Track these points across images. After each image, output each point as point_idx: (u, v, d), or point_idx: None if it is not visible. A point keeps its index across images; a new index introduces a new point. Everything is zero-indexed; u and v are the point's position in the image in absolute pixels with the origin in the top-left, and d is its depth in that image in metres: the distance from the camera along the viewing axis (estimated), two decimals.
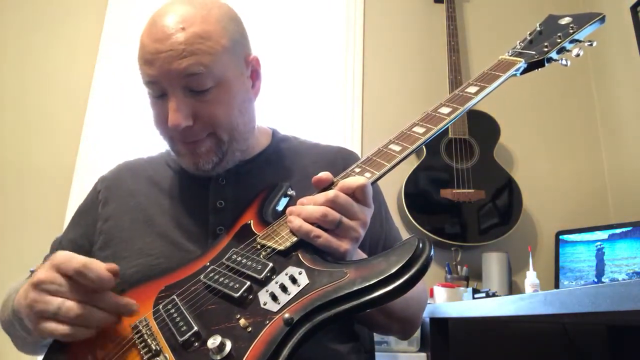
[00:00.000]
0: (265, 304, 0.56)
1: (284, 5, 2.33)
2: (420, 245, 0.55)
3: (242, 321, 0.55)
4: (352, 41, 2.27)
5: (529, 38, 0.87)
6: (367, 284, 0.53)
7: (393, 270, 0.53)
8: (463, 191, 1.93)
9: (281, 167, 0.89)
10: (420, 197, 1.96)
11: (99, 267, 0.60)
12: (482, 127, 2.06)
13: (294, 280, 0.57)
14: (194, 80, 0.73)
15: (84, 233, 0.88)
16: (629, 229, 1.75)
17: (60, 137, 2.07)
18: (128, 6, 2.23)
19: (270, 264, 0.60)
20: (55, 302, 0.58)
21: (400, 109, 2.19)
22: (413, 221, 1.91)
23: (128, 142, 2.10)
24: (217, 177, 0.85)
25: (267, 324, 0.54)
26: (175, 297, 0.64)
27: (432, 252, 0.55)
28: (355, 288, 0.53)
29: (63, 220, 1.92)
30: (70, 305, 0.58)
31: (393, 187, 1.99)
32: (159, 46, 0.72)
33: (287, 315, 0.53)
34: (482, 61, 2.29)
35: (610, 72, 2.21)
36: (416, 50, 2.31)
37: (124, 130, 2.13)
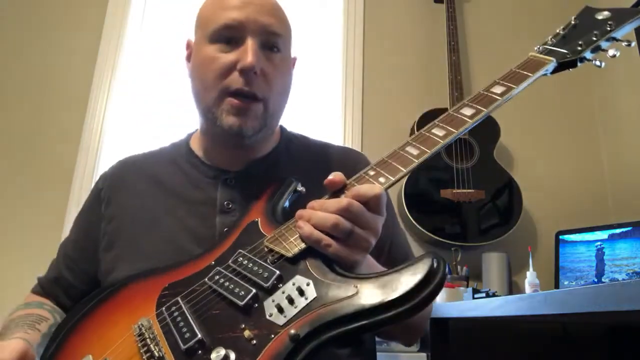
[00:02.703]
0: (270, 315, 0.55)
1: (284, 5, 2.32)
2: (434, 264, 0.52)
3: (246, 332, 0.54)
4: (352, 41, 2.27)
5: (562, 33, 0.80)
6: (378, 303, 0.51)
7: (406, 290, 0.51)
8: (463, 191, 1.93)
9: (291, 168, 0.87)
10: (420, 197, 1.96)
11: None
12: (482, 127, 2.05)
13: (301, 291, 0.55)
14: (272, 39, 0.79)
15: (87, 234, 0.87)
16: (629, 229, 1.75)
17: (61, 136, 2.07)
18: (128, 5, 2.23)
19: (277, 272, 0.58)
20: None
21: (400, 108, 2.19)
22: (413, 221, 1.91)
23: (128, 141, 2.10)
24: (226, 178, 0.83)
25: (272, 337, 0.52)
26: (179, 299, 0.62)
27: (447, 271, 0.53)
28: (365, 307, 0.51)
29: (63, 220, 1.92)
30: None
31: (393, 187, 1.98)
32: None
33: (292, 331, 0.51)
34: (482, 61, 2.30)
35: (610, 72, 2.21)
36: (416, 50, 2.31)
37: (124, 130, 2.13)
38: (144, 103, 2.16)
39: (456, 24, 2.18)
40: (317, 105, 2.21)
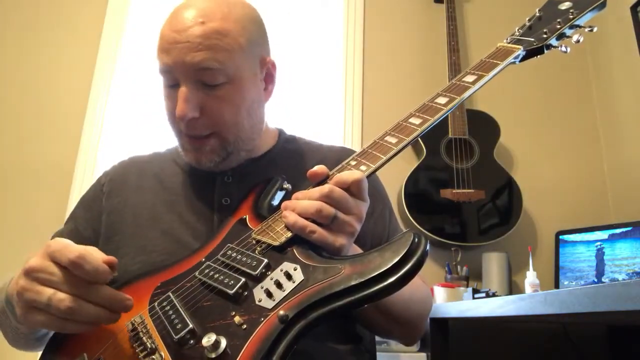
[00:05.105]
0: (260, 301, 0.56)
1: (284, 5, 2.33)
2: (416, 240, 0.55)
3: (237, 318, 0.55)
4: (352, 41, 2.27)
5: (528, 24, 0.85)
6: (362, 280, 0.53)
7: (388, 266, 0.53)
8: (463, 191, 1.93)
9: (286, 168, 0.88)
10: (420, 197, 1.96)
11: (96, 259, 0.57)
12: (482, 127, 2.06)
13: (288, 276, 0.57)
14: (206, 74, 0.75)
15: (89, 225, 0.88)
16: (629, 229, 1.75)
17: (60, 137, 2.07)
18: (128, 5, 2.23)
19: (265, 260, 0.60)
20: (46, 293, 0.55)
21: (400, 109, 2.17)
22: (413, 221, 1.91)
23: (128, 141, 2.10)
24: (223, 175, 0.86)
25: (262, 321, 0.53)
26: (170, 293, 0.64)
27: (427, 247, 0.54)
28: (350, 284, 0.53)
29: (63, 220, 1.90)
30: (61, 297, 0.55)
31: (393, 187, 1.99)
32: (176, 36, 0.74)
33: (281, 313, 0.53)
34: None
35: (610, 72, 2.21)
36: (416, 50, 2.31)
37: (124, 130, 2.13)
38: (144, 103, 2.16)
39: (456, 24, 2.18)
40: (318, 105, 2.21)
